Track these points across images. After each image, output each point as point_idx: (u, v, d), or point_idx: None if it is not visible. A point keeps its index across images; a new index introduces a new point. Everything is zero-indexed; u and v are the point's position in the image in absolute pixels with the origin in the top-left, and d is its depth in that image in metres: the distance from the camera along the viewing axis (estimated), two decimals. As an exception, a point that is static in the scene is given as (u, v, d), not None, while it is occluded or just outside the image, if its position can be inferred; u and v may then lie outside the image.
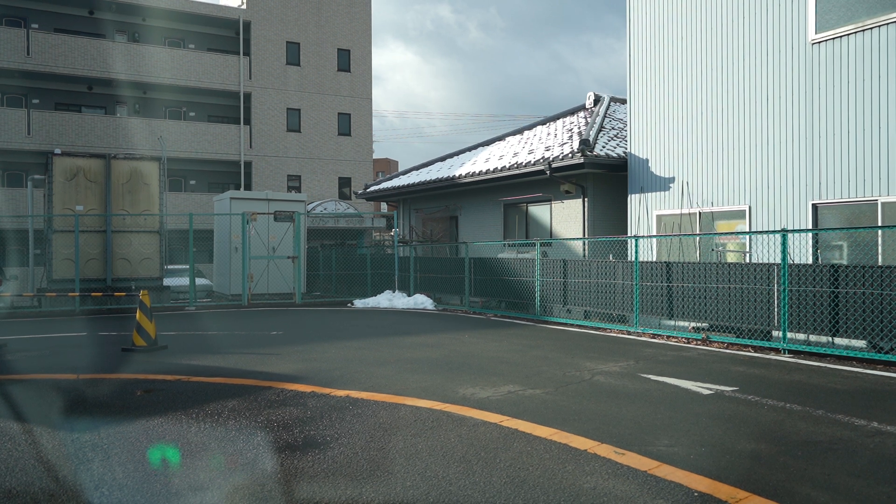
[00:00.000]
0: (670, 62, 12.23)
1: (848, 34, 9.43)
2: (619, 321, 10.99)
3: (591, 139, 13.24)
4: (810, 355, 7.96)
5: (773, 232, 8.72)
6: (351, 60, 32.03)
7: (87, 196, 14.87)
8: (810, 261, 9.57)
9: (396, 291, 16.18)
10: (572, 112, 18.42)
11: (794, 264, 8.36)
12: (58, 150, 16.08)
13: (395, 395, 5.87)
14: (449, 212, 18.82)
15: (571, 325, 11.36)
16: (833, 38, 9.62)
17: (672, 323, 10.16)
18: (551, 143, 15.33)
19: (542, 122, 18.85)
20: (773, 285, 8.48)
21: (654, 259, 11.98)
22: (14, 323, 12.60)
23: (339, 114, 31.77)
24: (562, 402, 5.58)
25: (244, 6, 29.81)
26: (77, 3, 28.00)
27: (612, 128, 15.46)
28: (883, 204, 8.99)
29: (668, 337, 9.70)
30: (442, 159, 20.93)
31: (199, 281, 19.06)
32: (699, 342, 9.20)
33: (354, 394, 5.94)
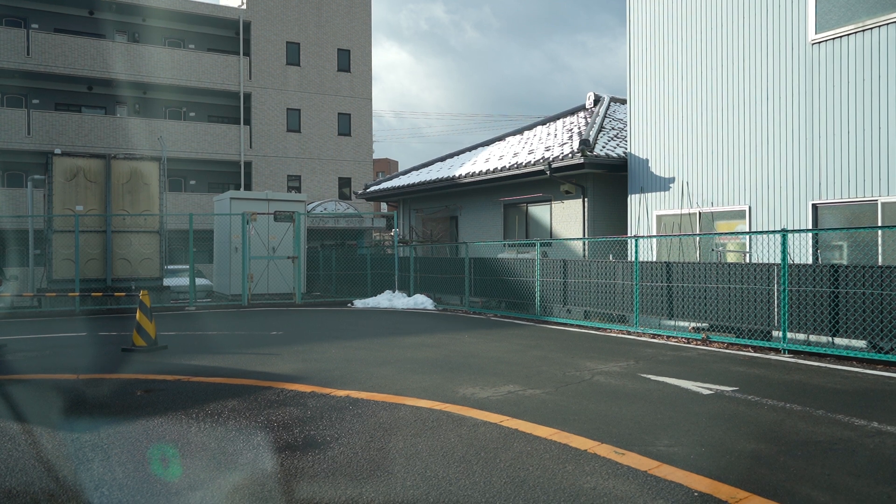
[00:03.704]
0: (670, 62, 12.23)
1: (848, 34, 9.43)
2: (619, 321, 10.99)
3: (591, 139, 13.24)
4: (810, 355, 7.96)
5: (773, 232, 8.72)
6: (351, 60, 32.03)
7: (87, 196, 14.87)
8: (810, 261, 9.57)
9: (396, 291, 16.18)
10: (572, 112, 18.42)
11: (794, 264, 8.36)
12: (58, 150, 16.07)
13: (395, 395, 5.87)
14: (449, 212, 18.83)
15: (571, 326, 11.35)
16: (833, 39, 9.62)
17: (672, 323, 10.15)
18: (551, 143, 15.33)
19: (542, 123, 18.85)
20: (773, 285, 8.48)
21: (654, 259, 11.98)
22: (14, 323, 12.60)
23: (339, 114, 31.77)
24: (562, 402, 5.58)
25: (244, 6, 29.81)
26: (77, 3, 28.00)
27: (612, 128, 15.47)
28: (883, 204, 8.99)
29: (668, 337, 9.70)
30: (442, 159, 20.94)
31: (199, 281, 19.07)
32: (699, 342, 9.20)
33: (354, 394, 5.94)
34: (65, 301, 14.42)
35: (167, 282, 16.71)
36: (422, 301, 15.18)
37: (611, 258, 11.93)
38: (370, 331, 10.71)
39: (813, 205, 9.86)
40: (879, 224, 8.93)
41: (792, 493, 3.57)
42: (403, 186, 19.58)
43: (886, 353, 7.43)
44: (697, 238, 11.40)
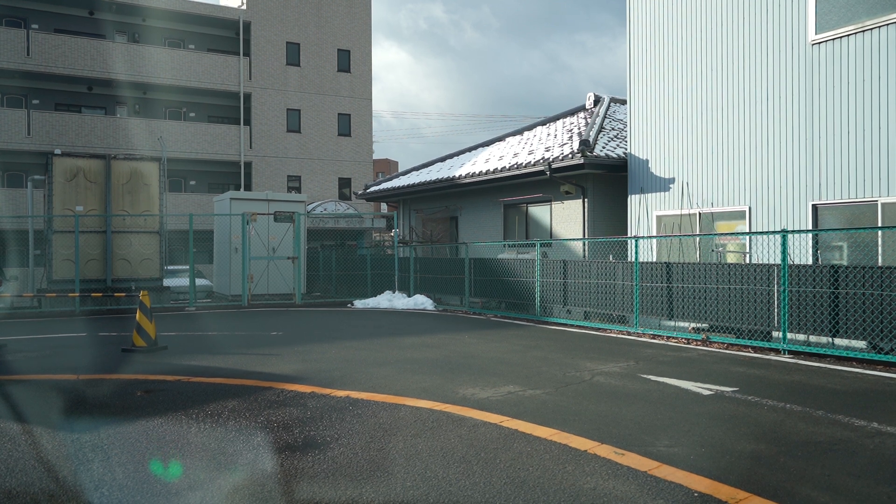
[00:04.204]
0: (670, 62, 12.23)
1: (848, 35, 9.44)
2: (619, 322, 10.99)
3: (591, 140, 13.24)
4: (810, 356, 7.96)
5: (773, 232, 8.73)
6: (351, 61, 32.04)
7: (87, 196, 14.87)
8: (810, 261, 9.57)
9: (396, 292, 16.18)
10: (572, 112, 18.42)
11: (794, 265, 8.36)
12: (58, 151, 16.08)
13: (395, 396, 5.87)
14: (449, 212, 18.83)
15: (571, 326, 11.35)
16: (833, 39, 9.63)
17: (672, 323, 10.15)
18: (551, 143, 15.33)
19: (542, 123, 18.86)
20: (773, 286, 8.48)
21: (654, 259, 11.98)
22: (14, 323, 12.60)
23: (339, 114, 31.77)
24: (562, 403, 5.57)
25: (244, 6, 29.82)
26: (77, 4, 28.01)
27: (612, 128, 15.47)
28: (883, 204, 8.99)
29: (668, 337, 9.70)
30: (442, 160, 20.94)
31: (199, 281, 19.06)
32: (699, 343, 9.20)
33: (354, 394, 5.94)
34: (65, 301, 14.42)
35: (167, 282, 16.71)
36: (422, 301, 15.18)
37: (611, 258, 11.93)
38: (370, 331, 10.71)
39: (813, 205, 9.86)
40: (879, 224, 8.93)
41: (792, 493, 3.57)
42: (403, 187, 19.58)
43: (886, 353, 7.43)
44: (697, 238, 11.40)
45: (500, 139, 19.44)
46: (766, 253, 9.88)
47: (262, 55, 29.97)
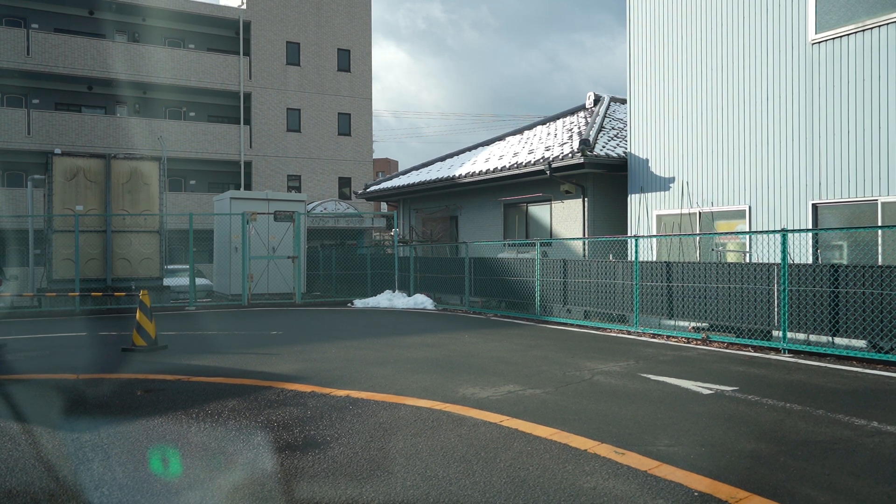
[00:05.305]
0: (670, 62, 12.23)
1: (848, 34, 9.43)
2: (619, 321, 10.99)
3: (591, 139, 13.24)
4: (810, 355, 7.96)
5: (773, 232, 8.72)
6: (351, 60, 32.03)
7: (87, 196, 14.87)
8: (810, 261, 9.57)
9: (396, 291, 16.18)
10: (572, 112, 18.42)
11: (794, 264, 8.36)
12: (58, 150, 16.08)
13: (395, 395, 5.87)
14: (449, 212, 18.82)
15: (571, 325, 11.35)
16: (833, 38, 9.62)
17: (672, 323, 10.15)
18: (551, 143, 15.33)
19: (542, 122, 18.86)
20: (773, 285, 8.48)
21: (654, 259, 11.98)
22: (14, 323, 12.60)
23: (339, 114, 31.77)
24: (562, 402, 5.58)
25: (244, 6, 29.81)
26: (77, 3, 28.00)
27: (612, 128, 15.47)
28: (883, 204, 8.99)
29: (668, 337, 9.70)
30: (442, 159, 20.94)
31: (199, 281, 19.07)
32: (699, 342, 9.20)
33: (354, 394, 5.94)
34: (65, 301, 14.42)
35: (167, 282, 16.72)
36: (422, 301, 15.18)
37: (611, 258, 11.93)
38: (370, 330, 10.71)
39: (813, 205, 9.86)
40: (879, 224, 8.93)
41: (792, 492, 3.57)
42: (403, 186, 19.58)
43: (886, 352, 7.43)
44: (697, 238, 11.40)
45: (500, 139, 19.44)
46: (766, 252, 9.88)
47: (262, 55, 29.96)
